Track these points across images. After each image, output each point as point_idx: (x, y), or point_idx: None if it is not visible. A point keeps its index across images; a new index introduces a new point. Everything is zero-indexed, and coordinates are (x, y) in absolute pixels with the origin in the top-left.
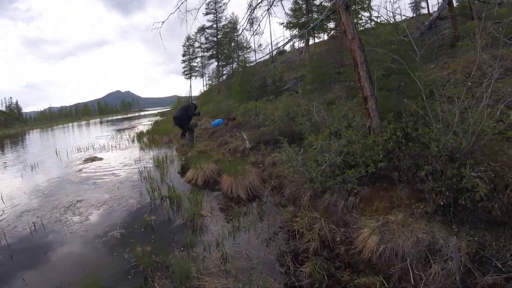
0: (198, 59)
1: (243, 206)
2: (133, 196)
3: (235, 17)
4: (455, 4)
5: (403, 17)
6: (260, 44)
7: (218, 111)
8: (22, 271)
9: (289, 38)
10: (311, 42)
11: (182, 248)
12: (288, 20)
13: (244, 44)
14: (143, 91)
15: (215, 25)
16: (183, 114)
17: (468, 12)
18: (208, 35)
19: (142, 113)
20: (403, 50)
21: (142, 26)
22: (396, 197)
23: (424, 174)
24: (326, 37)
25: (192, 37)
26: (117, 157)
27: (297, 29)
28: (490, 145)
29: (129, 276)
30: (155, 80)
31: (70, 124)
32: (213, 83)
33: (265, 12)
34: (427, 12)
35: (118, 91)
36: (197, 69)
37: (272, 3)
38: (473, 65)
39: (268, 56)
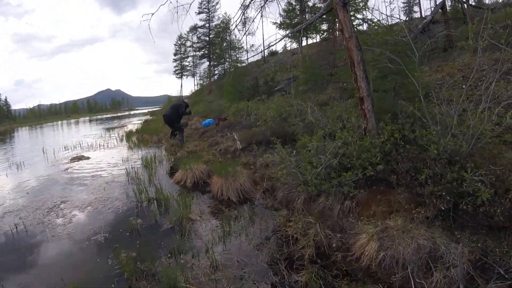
0: (190, 59)
1: (234, 210)
2: (119, 198)
3: (228, 16)
4: (448, 8)
5: (398, 20)
6: (252, 45)
7: (209, 111)
8: None
9: (281, 36)
10: (303, 43)
11: (169, 255)
12: (281, 20)
13: (236, 44)
14: (134, 90)
15: (207, 25)
16: (174, 112)
17: (461, 16)
18: (200, 35)
19: (132, 112)
20: (400, 51)
21: (134, 24)
22: (394, 201)
23: (424, 177)
24: (318, 39)
25: (184, 36)
26: (104, 156)
27: (290, 29)
28: (489, 148)
29: (112, 285)
30: (147, 79)
31: (59, 122)
32: (205, 83)
33: (258, 11)
34: (419, 16)
35: (108, 90)
36: (188, 68)
37: (266, 2)
38: (467, 68)
39: (260, 55)
